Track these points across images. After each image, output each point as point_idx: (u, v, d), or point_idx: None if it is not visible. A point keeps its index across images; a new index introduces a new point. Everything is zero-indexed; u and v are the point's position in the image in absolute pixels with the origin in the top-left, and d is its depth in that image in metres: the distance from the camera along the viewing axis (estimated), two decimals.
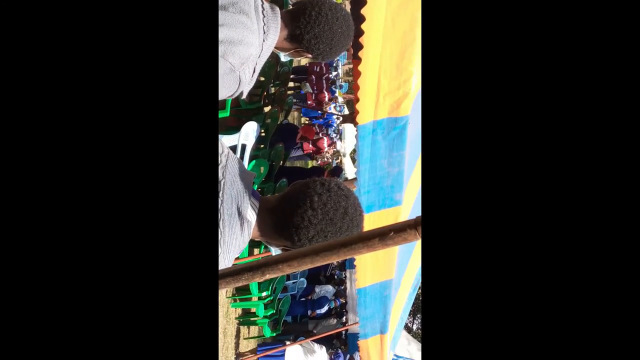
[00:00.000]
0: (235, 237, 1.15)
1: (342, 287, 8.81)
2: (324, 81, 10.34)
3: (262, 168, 5.57)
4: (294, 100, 8.84)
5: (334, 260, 0.71)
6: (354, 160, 3.49)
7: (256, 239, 1.25)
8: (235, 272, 0.73)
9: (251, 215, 1.18)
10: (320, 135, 9.72)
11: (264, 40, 1.46)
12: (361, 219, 1.21)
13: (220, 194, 1.13)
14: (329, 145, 9.79)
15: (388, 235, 0.68)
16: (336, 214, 1.15)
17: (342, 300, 8.58)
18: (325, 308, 8.37)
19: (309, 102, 10.25)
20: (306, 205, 1.16)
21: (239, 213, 1.16)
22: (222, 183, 1.15)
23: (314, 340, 7.11)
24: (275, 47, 1.56)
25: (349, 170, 11.25)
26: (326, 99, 10.18)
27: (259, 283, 6.43)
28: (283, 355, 6.83)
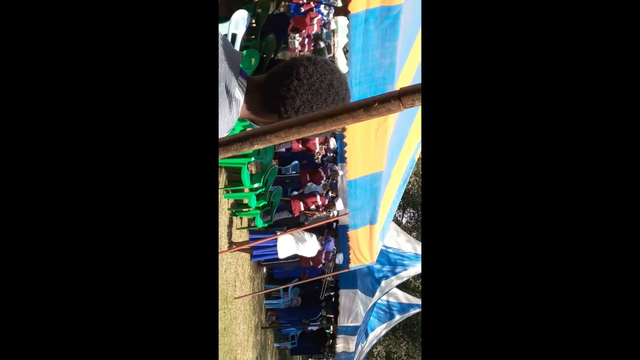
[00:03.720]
0: (224, 115, 1.16)
1: (334, 181, 8.95)
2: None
3: (252, 59, 5.48)
4: None
5: (320, 131, 0.73)
6: (346, 52, 3.44)
7: (245, 118, 1.27)
8: (224, 142, 0.75)
9: (239, 94, 1.19)
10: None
11: None
12: (347, 94, 1.23)
13: None
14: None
15: (372, 106, 0.69)
16: (322, 85, 1.18)
17: (333, 194, 8.74)
18: None
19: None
20: (292, 76, 1.18)
21: (227, 92, 1.17)
22: None
23: (304, 230, 7.34)
24: None
25: (342, 64, 11.06)
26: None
27: (251, 174, 6.53)
28: (275, 245, 7.06)
